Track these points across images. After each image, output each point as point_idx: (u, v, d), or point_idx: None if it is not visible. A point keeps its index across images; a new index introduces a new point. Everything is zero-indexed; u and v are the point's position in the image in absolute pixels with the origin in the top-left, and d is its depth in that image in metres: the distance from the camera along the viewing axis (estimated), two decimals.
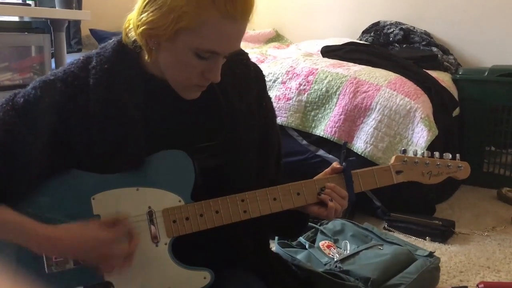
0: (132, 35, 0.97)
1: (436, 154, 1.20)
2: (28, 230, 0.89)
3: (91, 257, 0.92)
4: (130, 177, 0.98)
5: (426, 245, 1.98)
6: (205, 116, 1.07)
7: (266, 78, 1.18)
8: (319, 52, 2.91)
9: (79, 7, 3.03)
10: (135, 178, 0.98)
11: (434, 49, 3.15)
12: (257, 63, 1.18)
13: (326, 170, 1.12)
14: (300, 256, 1.62)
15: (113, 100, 0.97)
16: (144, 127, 0.99)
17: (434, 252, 1.65)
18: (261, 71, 1.16)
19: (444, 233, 2.07)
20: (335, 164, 1.12)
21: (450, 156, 1.21)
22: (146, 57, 0.97)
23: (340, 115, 2.25)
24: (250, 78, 1.11)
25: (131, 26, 0.96)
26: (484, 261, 1.89)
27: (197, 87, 0.99)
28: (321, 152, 2.31)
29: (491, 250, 1.99)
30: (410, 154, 1.18)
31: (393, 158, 1.17)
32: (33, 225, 0.90)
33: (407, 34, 3.30)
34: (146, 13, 0.91)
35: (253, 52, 3.00)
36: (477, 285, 1.66)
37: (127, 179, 0.97)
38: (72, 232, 0.92)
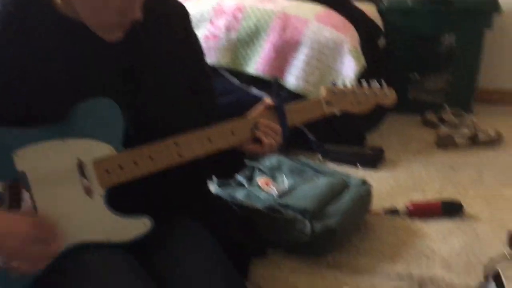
0: None
1: (364, 83, 1.22)
2: None
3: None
4: (54, 128, 0.92)
5: (359, 173, 2.07)
6: (129, 59, 1.01)
7: (193, 18, 1.13)
8: None
9: None
10: (60, 129, 0.93)
11: None
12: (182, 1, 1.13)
13: (259, 107, 1.11)
14: (240, 194, 1.64)
15: (28, 47, 0.90)
16: (66, 73, 0.93)
17: (366, 180, 1.73)
18: (184, 7, 1.11)
19: (374, 159, 2.19)
20: (267, 100, 1.11)
21: (378, 84, 1.24)
22: None
23: (271, 51, 2.24)
24: (172, 16, 1.07)
25: None
26: (411, 184, 2.01)
27: (118, 27, 0.93)
28: (254, 91, 2.30)
29: (417, 172, 2.12)
30: (339, 85, 1.20)
31: (323, 90, 1.18)
32: None
33: None
34: None
35: None
36: (406, 206, 1.78)
37: (52, 131, 0.92)
38: None
